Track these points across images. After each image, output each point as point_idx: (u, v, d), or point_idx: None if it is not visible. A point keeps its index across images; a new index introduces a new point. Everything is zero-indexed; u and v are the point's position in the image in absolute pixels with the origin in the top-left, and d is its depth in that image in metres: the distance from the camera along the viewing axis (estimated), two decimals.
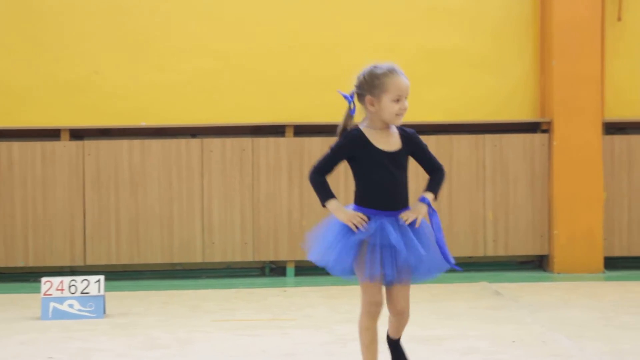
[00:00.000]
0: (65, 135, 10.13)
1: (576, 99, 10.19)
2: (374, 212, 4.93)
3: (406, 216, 4.95)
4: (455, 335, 6.85)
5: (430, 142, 10.06)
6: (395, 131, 5.00)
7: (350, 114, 5.00)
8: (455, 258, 10.26)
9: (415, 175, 5.49)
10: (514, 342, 6.59)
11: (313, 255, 5.15)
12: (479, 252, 10.24)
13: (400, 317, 5.16)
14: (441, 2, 10.64)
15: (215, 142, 10.16)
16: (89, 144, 10.10)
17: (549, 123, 10.29)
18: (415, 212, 4.99)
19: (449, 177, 10.18)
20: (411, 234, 4.92)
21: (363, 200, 5.00)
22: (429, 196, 5.08)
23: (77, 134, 10.26)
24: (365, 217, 4.91)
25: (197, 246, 10.11)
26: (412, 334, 6.87)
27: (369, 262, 4.89)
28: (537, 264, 10.53)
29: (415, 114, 10.46)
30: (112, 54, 10.50)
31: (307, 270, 10.31)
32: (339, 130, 5.06)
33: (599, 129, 10.20)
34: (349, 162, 5.03)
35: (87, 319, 7.72)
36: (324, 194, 5.03)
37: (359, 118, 5.06)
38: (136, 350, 6.49)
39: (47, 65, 10.47)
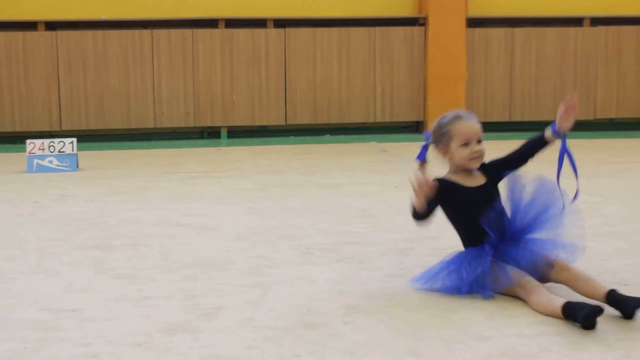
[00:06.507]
0: (41, 27, 9.87)
1: None
2: (483, 247, 3.83)
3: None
4: (352, 182, 6.93)
5: (332, 34, 10.10)
6: (477, 172, 3.96)
7: (417, 159, 4.01)
8: (352, 124, 10.48)
9: None
10: (396, 187, 6.69)
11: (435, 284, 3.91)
12: (370, 119, 10.30)
13: (570, 273, 3.67)
14: None
15: (162, 33, 9.98)
16: (61, 34, 9.86)
17: (425, 18, 10.27)
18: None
19: (347, 61, 10.17)
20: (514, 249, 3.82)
21: (469, 241, 3.93)
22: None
23: (51, 26, 9.99)
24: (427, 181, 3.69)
25: (150, 115, 10.02)
26: (318, 181, 6.96)
27: (501, 270, 3.73)
28: (414, 128, 10.63)
29: (319, 10, 10.44)
30: None
31: (237, 134, 10.31)
32: None
33: (463, 23, 10.22)
34: (443, 208, 3.97)
35: (64, 172, 7.65)
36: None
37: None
38: (103, 196, 6.47)
39: None
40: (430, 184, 3.70)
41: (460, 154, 3.88)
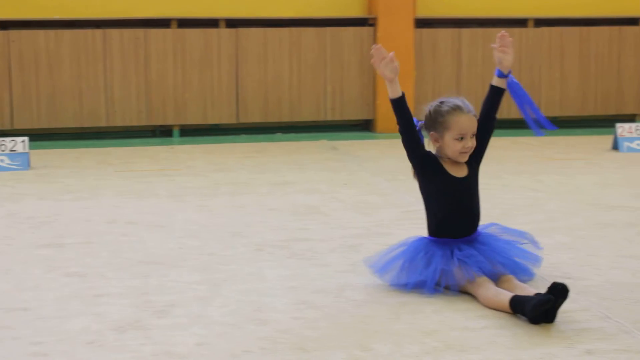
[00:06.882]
0: None
1: (395, 0, 10.19)
2: (448, 242, 3.81)
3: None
4: (302, 180, 6.91)
5: (283, 34, 10.08)
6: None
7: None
8: (303, 122, 10.46)
9: None
10: (345, 184, 6.69)
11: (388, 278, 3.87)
12: (321, 117, 10.29)
13: (511, 284, 3.65)
14: None
15: (115, 32, 9.87)
16: (13, 33, 9.70)
17: (375, 19, 10.28)
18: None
19: (298, 61, 10.16)
20: (481, 247, 3.80)
21: (436, 231, 3.86)
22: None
23: (3, 25, 9.82)
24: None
25: (102, 114, 9.90)
26: (269, 179, 6.95)
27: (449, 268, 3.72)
28: (364, 126, 10.65)
29: (270, 11, 10.41)
30: None
31: (189, 132, 10.24)
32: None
33: (411, 24, 10.25)
34: (422, 183, 3.93)
35: (15, 170, 7.53)
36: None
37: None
38: (55, 194, 6.38)
39: None
40: (391, 56, 3.74)
41: (453, 146, 3.78)
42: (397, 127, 3.83)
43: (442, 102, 3.84)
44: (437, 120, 3.81)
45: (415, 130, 3.84)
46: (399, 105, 3.80)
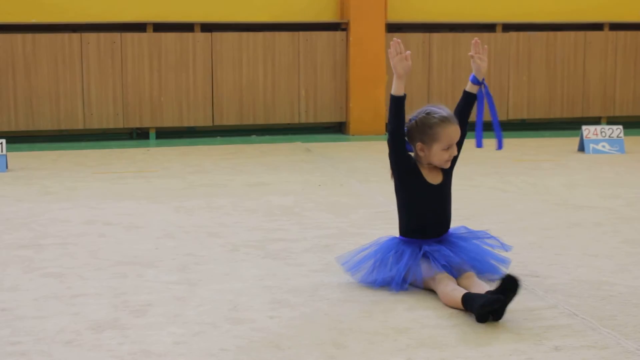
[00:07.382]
0: None
1: (367, 5, 10.21)
2: (418, 242, 3.84)
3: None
4: (277, 181, 6.91)
5: (258, 38, 10.07)
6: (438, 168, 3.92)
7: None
8: (277, 125, 10.46)
9: None
10: (319, 185, 6.69)
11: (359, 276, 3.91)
12: (295, 120, 10.30)
13: (471, 280, 3.69)
14: None
15: (91, 36, 9.81)
16: None
17: (347, 23, 10.30)
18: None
19: (272, 64, 10.16)
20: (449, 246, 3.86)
21: (408, 231, 3.89)
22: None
23: None
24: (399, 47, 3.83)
25: (79, 116, 9.84)
26: (244, 180, 6.94)
27: (426, 263, 3.75)
28: (337, 129, 10.67)
29: (244, 15, 10.40)
30: None
31: (165, 134, 10.21)
32: None
33: (383, 28, 10.28)
34: (397, 185, 3.93)
35: None
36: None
37: None
38: (33, 196, 6.34)
39: None
40: (407, 54, 3.77)
41: (441, 156, 3.81)
42: (388, 125, 3.83)
43: (428, 113, 3.82)
44: (425, 132, 3.80)
45: (404, 132, 3.84)
46: (398, 104, 3.80)
